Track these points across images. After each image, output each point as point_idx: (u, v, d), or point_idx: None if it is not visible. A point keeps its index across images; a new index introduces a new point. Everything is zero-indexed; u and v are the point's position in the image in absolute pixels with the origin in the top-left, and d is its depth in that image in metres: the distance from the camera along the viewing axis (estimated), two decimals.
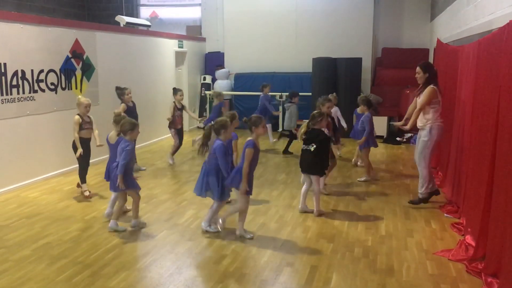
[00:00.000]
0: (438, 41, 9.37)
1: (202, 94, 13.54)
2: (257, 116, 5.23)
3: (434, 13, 11.76)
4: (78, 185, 6.77)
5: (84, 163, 6.63)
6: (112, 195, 5.73)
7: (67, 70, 8.00)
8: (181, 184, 7.44)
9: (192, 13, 14.65)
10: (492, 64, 4.44)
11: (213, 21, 13.97)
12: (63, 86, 7.93)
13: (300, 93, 12.36)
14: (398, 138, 10.97)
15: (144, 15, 15.00)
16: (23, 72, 7.06)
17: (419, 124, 6.04)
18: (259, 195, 6.79)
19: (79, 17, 14.37)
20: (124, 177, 5.20)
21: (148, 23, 11.96)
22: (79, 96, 6.64)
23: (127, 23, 10.73)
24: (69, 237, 5.16)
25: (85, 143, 6.53)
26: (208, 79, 13.60)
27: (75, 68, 8.22)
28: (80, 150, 6.38)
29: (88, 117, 6.56)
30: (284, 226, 5.51)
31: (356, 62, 11.85)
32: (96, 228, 5.45)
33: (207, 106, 13.22)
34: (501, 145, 3.95)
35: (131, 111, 7.74)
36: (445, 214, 5.89)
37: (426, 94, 5.84)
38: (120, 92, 7.79)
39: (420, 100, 5.94)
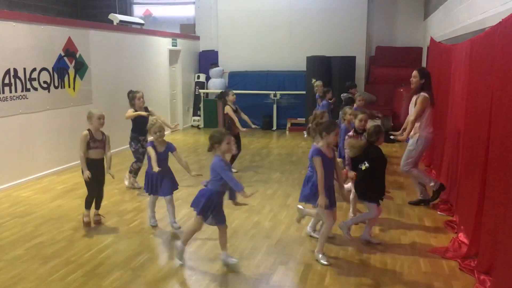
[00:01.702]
0: (432, 39, 9.40)
1: (196, 93, 13.52)
2: (331, 121, 4.67)
3: (427, 11, 11.80)
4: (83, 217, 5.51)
5: (92, 189, 5.42)
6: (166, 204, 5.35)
7: (60, 68, 7.96)
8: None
9: (186, 12, 14.60)
10: (485, 62, 4.46)
11: (207, 19, 13.94)
12: (56, 84, 7.89)
13: (294, 92, 12.47)
14: (391, 137, 10.99)
15: (138, 13, 14.93)
16: (15, 70, 7.01)
17: (415, 133, 5.97)
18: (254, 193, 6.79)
19: (72, 15, 14.29)
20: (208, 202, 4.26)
21: (141, 21, 11.92)
22: (91, 110, 5.51)
23: (121, 21, 10.69)
24: (62, 237, 5.13)
25: (95, 165, 5.30)
26: (202, 78, 13.58)
27: (68, 66, 8.18)
28: (87, 173, 5.20)
29: (102, 133, 5.40)
30: (278, 225, 5.51)
31: (350, 61, 11.88)
32: (89, 227, 5.42)
33: (201, 105, 13.21)
34: (494, 143, 3.97)
35: (140, 121, 6.62)
36: (438, 212, 5.92)
37: (419, 103, 5.76)
38: (131, 96, 6.77)
39: (414, 108, 5.85)
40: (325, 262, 4.44)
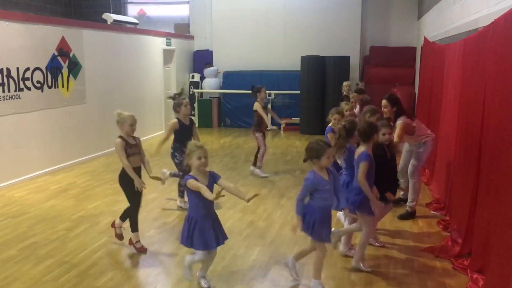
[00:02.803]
0: (425, 39, 9.44)
1: (191, 93, 13.50)
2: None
3: (421, 11, 11.84)
4: (113, 225, 4.98)
5: (136, 203, 4.80)
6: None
7: (53, 68, 7.93)
8: (169, 182, 7.38)
9: (180, 11, 14.58)
10: (477, 62, 4.48)
11: (201, 19, 13.92)
12: (50, 84, 7.86)
13: (289, 92, 12.48)
14: None
15: (132, 12, 14.90)
16: (8, 70, 6.97)
17: (412, 143, 5.77)
18: (248, 193, 6.77)
19: (65, 15, 14.23)
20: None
21: (135, 20, 11.89)
22: (119, 111, 4.69)
23: (115, 20, 10.65)
24: (56, 237, 5.11)
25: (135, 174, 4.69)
26: (197, 77, 13.56)
27: (62, 66, 8.15)
28: (139, 181, 4.63)
29: (134, 138, 4.74)
30: (272, 224, 5.51)
31: (344, 60, 11.92)
32: (83, 227, 5.41)
33: (196, 104, 13.19)
34: (486, 143, 4.00)
35: (183, 130, 5.87)
36: (432, 211, 5.94)
37: (399, 129, 5.39)
38: (177, 102, 5.97)
39: (395, 132, 5.38)
40: (369, 269, 4.31)
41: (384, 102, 5.56)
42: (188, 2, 14.19)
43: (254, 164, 7.90)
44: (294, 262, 4.13)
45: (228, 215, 5.78)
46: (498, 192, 3.58)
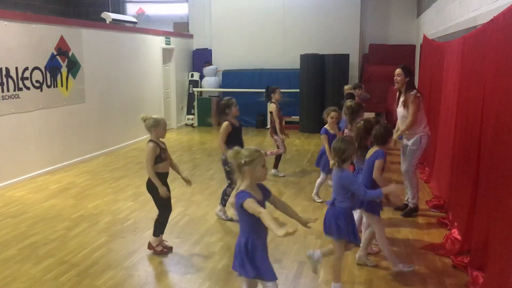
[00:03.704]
0: (425, 37, 9.43)
1: (190, 91, 13.49)
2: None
3: (420, 9, 11.84)
4: (150, 246, 4.71)
5: (167, 210, 4.73)
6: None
7: (52, 67, 7.92)
8: (168, 181, 7.38)
9: (179, 10, 14.56)
10: (476, 59, 4.48)
11: (200, 17, 13.91)
12: (49, 83, 7.85)
13: (288, 90, 12.46)
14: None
15: (131, 11, 14.88)
16: (7, 69, 6.97)
17: (407, 132, 5.71)
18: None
19: (64, 14, 14.21)
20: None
21: (134, 19, 11.88)
22: (147, 115, 4.58)
23: (113, 20, 10.64)
24: (56, 236, 5.11)
25: (165, 181, 4.63)
26: (196, 76, 13.56)
27: (61, 65, 8.14)
28: (164, 189, 4.52)
29: (163, 143, 4.66)
30: None
31: (343, 59, 11.92)
32: (83, 227, 5.41)
33: (195, 103, 13.18)
34: (485, 140, 4.00)
35: (235, 133, 5.55)
36: (431, 209, 5.94)
37: (413, 103, 5.45)
38: (225, 104, 5.53)
39: (409, 110, 5.50)
40: (374, 264, 4.39)
41: (398, 70, 5.57)
42: (187, 1, 14.16)
43: (275, 166, 7.68)
44: (320, 257, 3.97)
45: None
46: (497, 190, 3.58)
